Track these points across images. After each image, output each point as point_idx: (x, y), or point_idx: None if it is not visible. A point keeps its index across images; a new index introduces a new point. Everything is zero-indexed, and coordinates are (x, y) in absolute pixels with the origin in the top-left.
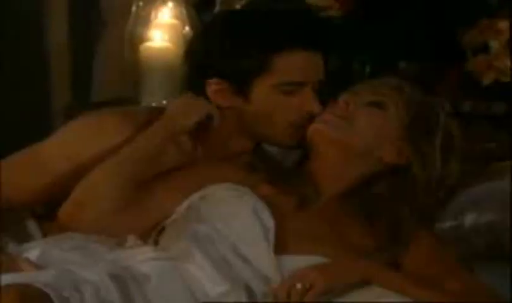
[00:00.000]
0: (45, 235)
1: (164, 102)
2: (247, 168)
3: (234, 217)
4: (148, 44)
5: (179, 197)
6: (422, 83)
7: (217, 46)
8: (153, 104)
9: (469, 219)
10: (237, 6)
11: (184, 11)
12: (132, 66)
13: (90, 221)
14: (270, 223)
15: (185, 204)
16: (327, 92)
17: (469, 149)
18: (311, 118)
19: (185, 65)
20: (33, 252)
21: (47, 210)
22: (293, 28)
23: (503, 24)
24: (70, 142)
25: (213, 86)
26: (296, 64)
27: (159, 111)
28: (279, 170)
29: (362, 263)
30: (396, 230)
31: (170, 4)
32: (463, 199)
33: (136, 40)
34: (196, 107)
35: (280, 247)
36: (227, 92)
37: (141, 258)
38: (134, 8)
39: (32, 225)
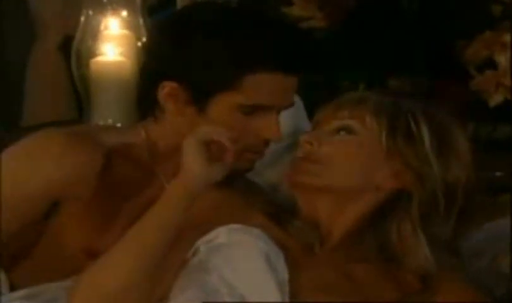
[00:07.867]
0: (11, 285)
1: (118, 125)
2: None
3: (244, 264)
4: (98, 58)
5: (188, 249)
6: None
7: (186, 46)
8: None
9: (486, 262)
10: None
11: (139, 21)
12: (80, 84)
13: None
14: (285, 274)
15: (190, 251)
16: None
17: None
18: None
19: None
20: None
21: None
22: (274, 48)
23: (509, 37)
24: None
25: (167, 88)
26: (268, 87)
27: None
28: (279, 207)
29: None
30: (422, 272)
31: (123, 13)
32: (478, 238)
33: (84, 54)
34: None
35: (292, 298)
36: (181, 98)
37: None
38: (83, 18)
39: (2, 276)
